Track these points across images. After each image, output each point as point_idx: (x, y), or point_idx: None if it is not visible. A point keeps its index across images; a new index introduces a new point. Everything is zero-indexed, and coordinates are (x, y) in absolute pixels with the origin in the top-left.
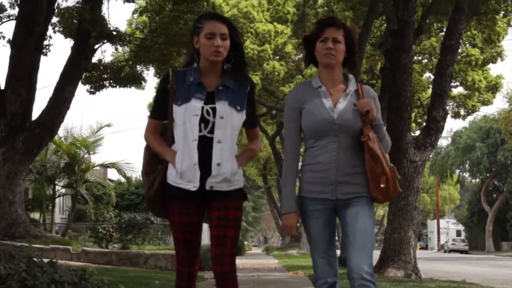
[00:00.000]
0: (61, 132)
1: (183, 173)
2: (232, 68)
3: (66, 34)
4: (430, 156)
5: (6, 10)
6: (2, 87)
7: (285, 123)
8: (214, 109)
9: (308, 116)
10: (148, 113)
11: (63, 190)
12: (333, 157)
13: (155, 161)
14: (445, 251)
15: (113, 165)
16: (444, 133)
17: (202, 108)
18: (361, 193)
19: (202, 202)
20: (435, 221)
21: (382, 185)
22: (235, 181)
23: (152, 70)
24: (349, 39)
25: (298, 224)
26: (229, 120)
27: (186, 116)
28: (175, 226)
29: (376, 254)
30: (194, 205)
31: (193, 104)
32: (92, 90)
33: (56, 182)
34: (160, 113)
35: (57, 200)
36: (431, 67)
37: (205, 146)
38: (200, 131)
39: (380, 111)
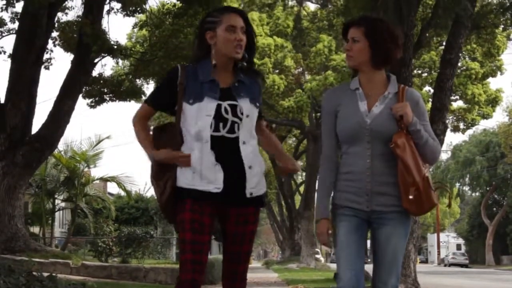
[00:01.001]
0: (61, 146)
1: (202, 173)
2: (246, 66)
3: (66, 48)
4: (430, 169)
5: (6, 24)
6: (2, 101)
7: (322, 127)
8: (233, 107)
9: (341, 120)
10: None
11: (62, 204)
12: (367, 165)
13: (164, 166)
14: (445, 265)
15: (112, 179)
16: (444, 147)
17: (220, 106)
18: (396, 206)
19: (218, 206)
20: (435, 234)
21: (410, 197)
22: (264, 184)
23: (152, 84)
24: (372, 34)
25: (330, 231)
26: (253, 118)
27: (199, 116)
28: (184, 224)
29: None
30: (209, 206)
31: (206, 103)
32: (93, 104)
33: (56, 196)
34: (159, 102)
35: (56, 214)
36: (430, 80)
37: (223, 147)
38: (218, 130)
39: (425, 115)
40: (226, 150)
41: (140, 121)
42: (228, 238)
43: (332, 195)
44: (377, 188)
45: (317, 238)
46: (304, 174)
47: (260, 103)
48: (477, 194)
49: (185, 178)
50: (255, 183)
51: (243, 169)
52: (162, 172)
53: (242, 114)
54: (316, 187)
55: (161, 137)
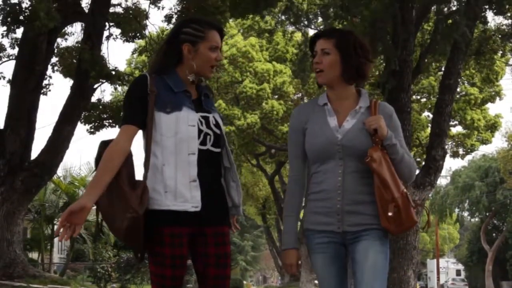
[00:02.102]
0: (60, 171)
1: (177, 190)
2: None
3: (66, 74)
4: (430, 195)
5: (6, 50)
6: (2, 127)
7: (288, 147)
8: (206, 118)
9: (310, 137)
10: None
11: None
12: (338, 183)
13: (133, 175)
14: None
15: None
16: (443, 172)
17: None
18: (371, 224)
19: (194, 229)
20: (435, 260)
21: (389, 214)
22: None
23: None
24: (344, 46)
25: (299, 262)
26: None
27: (179, 126)
28: (165, 261)
29: None
30: (187, 231)
31: (186, 113)
32: (92, 130)
33: (55, 222)
34: (141, 118)
35: (55, 239)
36: (430, 106)
37: (200, 161)
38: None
39: (399, 130)
40: (201, 165)
41: (128, 144)
42: (211, 259)
43: (301, 218)
44: (349, 207)
45: (284, 269)
46: (303, 199)
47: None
48: (476, 219)
49: (157, 199)
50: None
51: (219, 186)
52: (133, 182)
53: (214, 126)
54: (283, 213)
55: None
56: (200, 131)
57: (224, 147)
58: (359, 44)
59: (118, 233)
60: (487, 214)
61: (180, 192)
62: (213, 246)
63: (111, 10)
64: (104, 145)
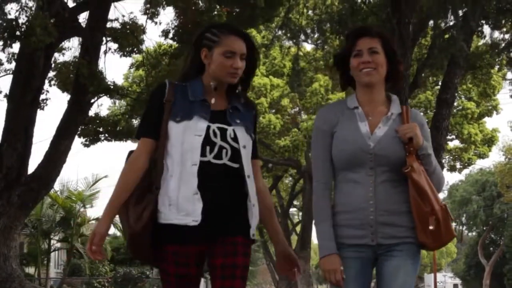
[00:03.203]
0: (57, 185)
1: (179, 203)
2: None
3: (63, 88)
4: None
5: (3, 64)
6: None
7: (313, 150)
8: (223, 130)
9: (339, 142)
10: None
11: (58, 244)
12: (370, 193)
13: (144, 189)
14: None
15: None
16: None
17: (209, 127)
18: (406, 237)
19: (202, 245)
20: (432, 275)
21: (431, 227)
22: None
23: None
24: (389, 48)
25: (342, 268)
26: (249, 149)
27: (186, 135)
28: (170, 278)
29: None
30: (194, 251)
31: (196, 122)
32: (87, 143)
33: (52, 236)
34: (156, 130)
35: (52, 254)
36: (427, 120)
37: (208, 174)
38: (204, 155)
39: (430, 139)
40: (212, 178)
41: (146, 159)
42: (217, 271)
43: None
44: (384, 218)
45: (326, 277)
46: (300, 214)
47: (254, 136)
48: (473, 233)
49: (162, 212)
50: (256, 223)
51: (237, 201)
52: (140, 197)
53: (232, 139)
54: (314, 221)
55: None
56: (212, 143)
57: (241, 162)
58: (394, 46)
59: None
60: (485, 228)
61: (182, 205)
62: (220, 256)
63: (108, 25)
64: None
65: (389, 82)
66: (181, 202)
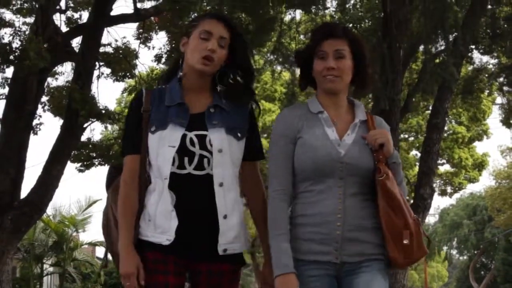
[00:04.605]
0: (49, 210)
1: (156, 220)
2: (229, 90)
3: (56, 113)
4: None
5: None
6: None
7: (271, 157)
8: (202, 137)
9: (305, 150)
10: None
11: (51, 269)
12: (338, 206)
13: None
14: None
15: (101, 243)
16: (432, 211)
17: (185, 136)
18: (374, 254)
19: (183, 260)
20: None
21: (405, 241)
22: (245, 239)
23: None
24: (357, 51)
25: None
26: (230, 153)
27: (160, 147)
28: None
29: None
30: (173, 260)
31: (170, 131)
32: (82, 168)
33: (44, 261)
34: (140, 144)
35: (44, 278)
36: (417, 145)
37: (189, 188)
38: (182, 167)
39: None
40: (192, 192)
41: (131, 179)
42: None
43: None
44: (351, 234)
45: None
46: None
47: (244, 135)
48: (465, 257)
49: (141, 227)
50: (232, 238)
51: (215, 218)
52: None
53: (211, 146)
54: (269, 235)
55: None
56: (191, 152)
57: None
58: (364, 50)
59: (117, 257)
60: (476, 252)
61: (159, 221)
62: (204, 285)
63: (101, 49)
64: (113, 171)
65: (355, 86)
66: (158, 218)
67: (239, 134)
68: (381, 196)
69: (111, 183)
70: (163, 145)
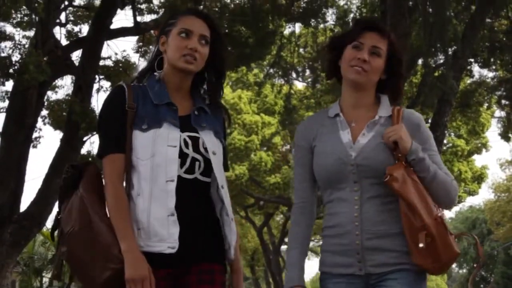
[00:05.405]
0: (49, 223)
1: (150, 227)
2: (210, 91)
3: (56, 126)
4: None
5: None
6: None
7: (294, 168)
8: (194, 140)
9: (319, 157)
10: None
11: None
12: (355, 213)
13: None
14: None
15: None
16: None
17: (180, 136)
18: (400, 264)
19: (175, 270)
20: None
21: (420, 245)
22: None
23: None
24: (394, 56)
25: None
26: (220, 156)
27: (157, 146)
28: None
29: None
30: (163, 276)
31: (167, 130)
32: None
33: (44, 274)
34: (124, 142)
35: None
36: None
37: (179, 191)
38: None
39: (430, 141)
40: (183, 196)
41: (119, 181)
42: None
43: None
44: (370, 242)
45: None
46: None
47: (225, 141)
48: (464, 270)
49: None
50: (235, 241)
51: (212, 222)
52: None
53: (205, 149)
54: (288, 243)
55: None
56: (185, 155)
57: (212, 174)
58: (402, 56)
59: (91, 283)
60: (475, 265)
61: (154, 229)
62: (195, 284)
63: (101, 63)
64: (72, 170)
65: (385, 93)
66: (153, 226)
67: (222, 140)
68: (399, 198)
69: (74, 183)
70: (160, 144)
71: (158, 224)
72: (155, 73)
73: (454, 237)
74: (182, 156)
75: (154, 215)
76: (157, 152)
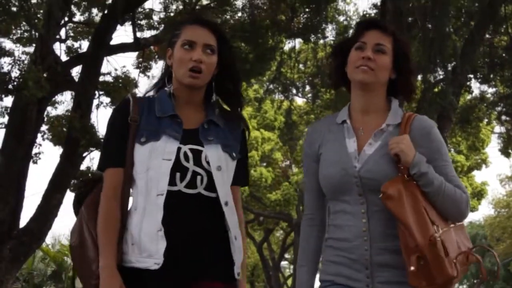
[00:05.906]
0: (48, 239)
1: (141, 242)
2: (221, 100)
3: (55, 142)
4: None
5: None
6: None
7: (304, 177)
8: (196, 153)
9: (323, 167)
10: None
11: None
12: (363, 227)
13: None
14: None
15: None
16: None
17: (179, 149)
18: (405, 284)
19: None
20: None
21: (411, 268)
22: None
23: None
24: (401, 52)
25: None
26: (228, 171)
27: (152, 160)
28: None
29: None
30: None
31: (164, 143)
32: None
33: None
34: (123, 157)
35: None
36: None
37: (177, 206)
38: (173, 183)
39: (441, 151)
40: (182, 212)
41: (114, 197)
42: None
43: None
44: (380, 257)
45: None
46: (291, 267)
47: (237, 155)
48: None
49: (124, 253)
50: (242, 260)
51: (218, 237)
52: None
53: (208, 163)
54: (297, 260)
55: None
56: (184, 168)
57: (215, 191)
58: (409, 53)
59: (88, 283)
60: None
61: (144, 244)
62: None
63: (101, 78)
64: (83, 186)
65: (395, 93)
66: (144, 241)
67: (234, 154)
68: None
69: (83, 199)
70: (155, 158)
71: (148, 239)
72: (165, 88)
73: (456, 256)
74: (182, 170)
75: (145, 230)
76: (152, 165)
